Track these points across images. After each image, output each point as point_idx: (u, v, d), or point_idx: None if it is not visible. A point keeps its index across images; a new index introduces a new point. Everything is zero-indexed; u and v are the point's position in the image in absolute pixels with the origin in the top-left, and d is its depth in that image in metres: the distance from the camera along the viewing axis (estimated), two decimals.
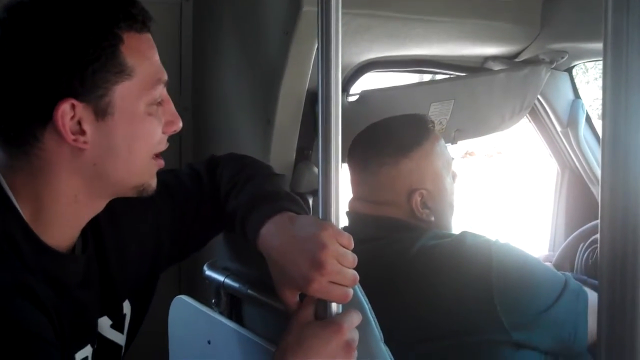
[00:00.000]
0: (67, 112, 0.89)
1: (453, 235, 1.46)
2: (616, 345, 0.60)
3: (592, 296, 1.39)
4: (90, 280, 1.03)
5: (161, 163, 1.02)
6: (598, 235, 0.62)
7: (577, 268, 1.89)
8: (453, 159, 1.59)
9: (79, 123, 0.91)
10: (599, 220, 0.61)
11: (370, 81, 1.91)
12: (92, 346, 1.04)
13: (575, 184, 2.44)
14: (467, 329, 1.35)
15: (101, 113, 0.92)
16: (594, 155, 2.32)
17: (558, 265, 1.82)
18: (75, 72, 0.89)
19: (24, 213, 0.93)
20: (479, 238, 1.41)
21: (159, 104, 0.98)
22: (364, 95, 1.78)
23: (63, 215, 0.96)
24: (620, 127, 0.58)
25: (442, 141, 1.57)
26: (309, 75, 1.50)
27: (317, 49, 0.95)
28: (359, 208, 1.55)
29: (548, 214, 2.55)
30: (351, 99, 1.79)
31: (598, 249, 0.61)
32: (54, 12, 0.90)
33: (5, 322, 0.83)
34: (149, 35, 0.96)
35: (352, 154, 1.55)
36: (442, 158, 1.55)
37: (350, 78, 1.82)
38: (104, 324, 1.07)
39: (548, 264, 1.86)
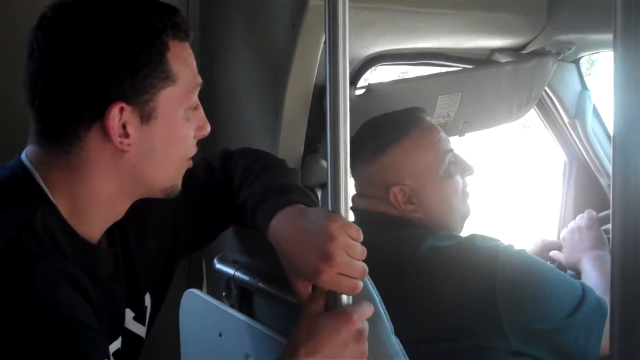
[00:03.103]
0: (116, 114, 0.92)
1: (461, 237, 1.45)
2: (630, 337, 0.60)
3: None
4: (118, 273, 1.06)
5: (190, 163, 1.05)
6: (608, 226, 0.62)
7: None
8: (451, 150, 1.55)
9: (124, 126, 0.93)
10: (609, 211, 0.61)
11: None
12: (121, 339, 1.06)
13: (583, 175, 2.43)
14: (469, 334, 1.34)
15: (146, 117, 0.95)
16: (602, 146, 2.31)
17: (569, 258, 1.80)
18: (127, 76, 0.92)
19: (61, 208, 0.95)
20: (488, 242, 1.39)
21: (193, 109, 1.02)
22: (371, 89, 1.78)
23: (97, 213, 0.99)
24: (631, 120, 0.57)
25: (435, 134, 1.54)
26: (317, 69, 1.51)
27: (325, 42, 0.96)
28: (355, 202, 1.57)
29: (543, 205, 2.55)
30: (358, 92, 1.79)
31: (610, 240, 0.61)
32: (106, 17, 0.92)
33: (53, 308, 0.84)
34: (188, 44, 1.00)
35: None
36: (430, 151, 1.52)
37: (357, 71, 1.83)
38: (128, 316, 1.09)
39: (557, 253, 1.85)
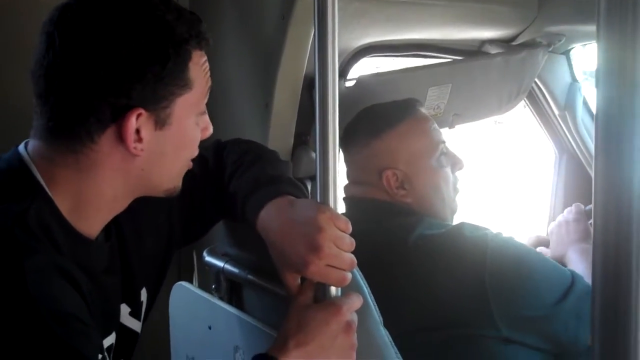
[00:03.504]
0: (134, 120, 0.91)
1: (450, 226, 1.45)
2: (609, 333, 0.60)
3: None
4: (114, 267, 1.05)
5: (191, 164, 1.05)
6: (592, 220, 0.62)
7: None
8: (444, 141, 1.57)
9: (137, 130, 0.92)
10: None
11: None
12: (116, 334, 1.05)
13: (573, 167, 2.44)
14: (459, 322, 1.35)
15: (161, 123, 0.95)
16: (592, 138, 2.31)
17: (555, 251, 1.81)
18: (151, 83, 0.91)
19: (59, 203, 0.94)
20: (477, 231, 1.39)
21: (202, 113, 1.02)
22: (361, 80, 1.78)
23: (99, 211, 0.98)
24: (614, 110, 0.58)
25: (429, 124, 1.57)
26: (307, 60, 1.50)
27: (314, 33, 0.95)
28: (347, 190, 1.59)
29: (540, 197, 2.55)
30: (348, 83, 1.79)
31: (592, 236, 0.61)
32: (135, 21, 0.90)
33: (45, 301, 0.83)
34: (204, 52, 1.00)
35: (340, 139, 1.58)
36: (423, 140, 1.55)
37: (347, 63, 1.82)
38: (124, 311, 1.09)
39: (543, 248, 1.86)
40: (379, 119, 1.55)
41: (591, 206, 1.82)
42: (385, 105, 1.60)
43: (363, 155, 1.55)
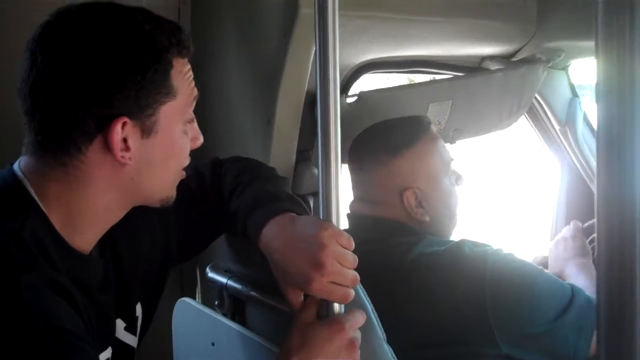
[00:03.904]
0: (119, 129, 0.92)
1: (451, 242, 1.45)
2: (615, 342, 0.60)
3: None
4: (108, 283, 1.05)
5: (184, 174, 1.06)
6: (594, 235, 0.62)
7: None
8: (452, 159, 1.59)
9: (124, 140, 0.93)
10: (594, 220, 0.61)
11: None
12: (112, 349, 1.06)
13: (575, 182, 2.44)
14: (459, 340, 1.34)
15: (147, 131, 0.96)
16: (592, 153, 2.31)
17: (553, 268, 1.81)
18: (132, 92, 0.92)
19: (53, 219, 0.95)
20: (477, 248, 1.39)
21: (189, 121, 1.03)
22: (363, 96, 1.78)
23: (92, 223, 0.99)
24: (613, 127, 0.58)
25: (441, 142, 1.58)
26: (308, 77, 1.51)
27: (315, 50, 0.96)
28: (357, 209, 1.57)
29: (544, 213, 2.55)
30: (350, 100, 1.80)
31: (595, 248, 0.61)
32: (114, 33, 0.92)
33: (41, 317, 0.84)
34: (187, 59, 1.01)
35: (350, 155, 1.58)
36: (439, 159, 1.55)
37: (349, 79, 1.83)
38: (119, 326, 1.09)
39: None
40: (396, 137, 1.54)
41: (589, 223, 1.83)
42: (399, 123, 1.59)
43: (380, 173, 1.53)
